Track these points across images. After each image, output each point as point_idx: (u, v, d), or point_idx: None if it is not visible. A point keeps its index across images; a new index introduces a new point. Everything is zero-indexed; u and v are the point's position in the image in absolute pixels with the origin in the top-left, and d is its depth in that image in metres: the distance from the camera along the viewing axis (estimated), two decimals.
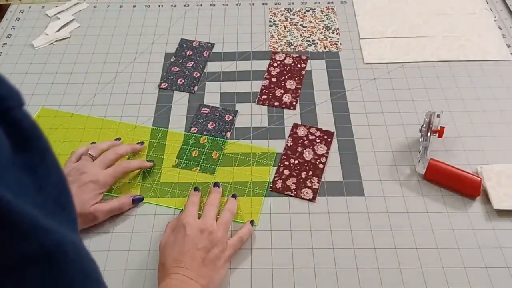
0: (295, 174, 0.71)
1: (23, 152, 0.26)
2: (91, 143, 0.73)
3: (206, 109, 0.80)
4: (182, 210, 0.64)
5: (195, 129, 0.77)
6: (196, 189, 0.67)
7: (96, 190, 0.64)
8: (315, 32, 0.93)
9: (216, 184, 0.68)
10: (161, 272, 0.57)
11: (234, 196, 0.67)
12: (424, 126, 0.71)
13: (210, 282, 0.56)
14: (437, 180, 0.68)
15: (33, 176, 0.26)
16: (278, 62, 0.87)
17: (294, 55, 0.88)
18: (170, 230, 0.61)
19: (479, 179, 0.67)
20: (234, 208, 0.65)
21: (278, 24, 0.95)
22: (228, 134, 0.76)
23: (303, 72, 0.85)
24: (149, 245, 0.64)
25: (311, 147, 0.74)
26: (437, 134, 0.71)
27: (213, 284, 0.57)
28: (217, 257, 0.58)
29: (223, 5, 1.00)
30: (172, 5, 1.00)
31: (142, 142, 0.74)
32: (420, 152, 0.70)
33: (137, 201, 0.67)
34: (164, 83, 0.84)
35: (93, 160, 0.67)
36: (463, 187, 0.67)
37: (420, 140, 0.71)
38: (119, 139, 0.75)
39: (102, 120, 0.78)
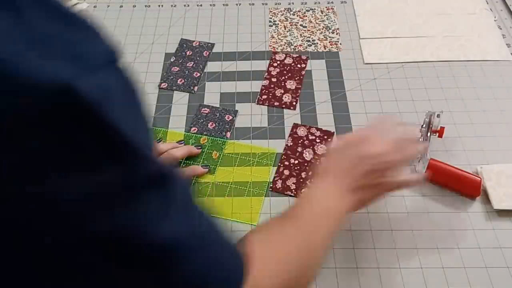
0: (295, 174, 0.71)
1: (130, 93, 0.29)
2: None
3: (206, 109, 0.80)
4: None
5: (195, 129, 0.77)
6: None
7: None
8: (315, 32, 0.93)
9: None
10: (317, 176, 0.55)
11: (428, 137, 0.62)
12: (424, 126, 0.70)
13: (363, 202, 0.54)
14: (437, 180, 0.68)
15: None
16: (278, 62, 0.87)
17: (294, 55, 0.88)
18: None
19: (479, 179, 0.67)
20: (422, 147, 0.60)
21: (278, 24, 0.95)
22: (228, 134, 0.76)
23: (303, 72, 0.85)
24: None
25: (311, 147, 0.74)
26: (437, 134, 0.71)
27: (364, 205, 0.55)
28: (380, 183, 0.54)
29: (223, 5, 1.00)
30: (172, 5, 1.00)
31: (200, 146, 0.74)
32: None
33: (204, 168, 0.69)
34: (164, 83, 0.84)
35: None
36: (463, 187, 0.67)
37: (420, 140, 0.70)
38: (182, 141, 0.74)
39: None
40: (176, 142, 0.74)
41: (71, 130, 0.23)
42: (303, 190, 0.52)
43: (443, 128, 0.70)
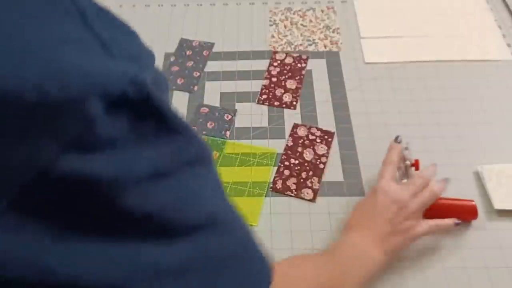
0: (295, 174, 0.71)
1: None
2: None
3: (205, 108, 0.80)
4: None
5: (194, 129, 0.77)
6: (397, 139, 0.64)
7: None
8: (316, 32, 0.93)
9: (397, 138, 0.65)
10: (345, 229, 0.58)
11: (446, 180, 0.62)
12: (400, 163, 0.65)
13: (393, 249, 0.56)
14: (432, 216, 0.63)
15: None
16: (278, 62, 0.87)
17: (295, 55, 0.88)
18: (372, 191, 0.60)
19: (474, 203, 0.64)
20: (438, 190, 0.60)
21: (278, 23, 0.95)
22: (228, 133, 0.76)
23: (304, 72, 0.85)
24: None
25: (312, 147, 0.74)
26: (414, 167, 0.65)
27: (395, 252, 0.56)
28: (406, 228, 0.56)
29: (223, 4, 1.00)
30: (172, 5, 1.00)
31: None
32: None
33: None
34: None
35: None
36: (460, 216, 0.63)
37: (404, 181, 0.64)
38: None
39: None
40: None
41: (143, 111, 0.28)
42: (333, 243, 0.56)
43: (418, 160, 0.66)
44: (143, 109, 0.28)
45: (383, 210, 0.57)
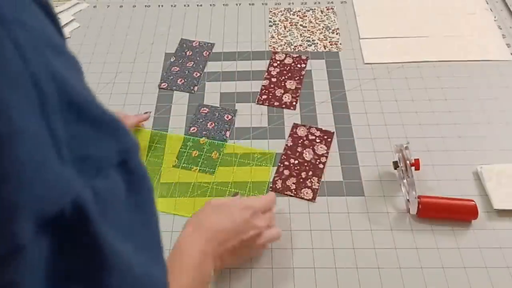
0: (295, 174, 0.71)
1: (135, 194, 0.31)
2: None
3: (205, 109, 0.80)
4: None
5: (194, 129, 0.77)
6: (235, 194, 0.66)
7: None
8: (315, 32, 0.93)
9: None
10: (196, 222, 0.56)
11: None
12: (400, 163, 0.65)
13: (224, 263, 0.56)
14: (432, 216, 0.64)
15: (136, 215, 0.31)
16: (278, 62, 0.87)
17: (294, 55, 0.88)
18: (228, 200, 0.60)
19: (474, 203, 0.64)
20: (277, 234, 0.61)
21: (278, 24, 0.95)
22: (228, 133, 0.76)
23: (303, 72, 0.85)
24: None
25: (311, 147, 0.74)
26: (414, 167, 0.65)
27: (225, 263, 0.56)
28: (242, 252, 0.57)
29: (223, 5, 1.00)
30: (172, 5, 1.00)
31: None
32: (407, 192, 0.64)
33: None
34: (164, 83, 0.84)
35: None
36: (460, 215, 0.64)
37: (404, 181, 0.65)
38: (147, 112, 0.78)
39: None
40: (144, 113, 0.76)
41: (76, 236, 0.26)
42: (175, 244, 0.54)
43: (418, 160, 0.66)
44: (76, 233, 0.26)
45: (244, 231, 0.56)
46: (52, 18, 0.30)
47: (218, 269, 0.55)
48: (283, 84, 0.83)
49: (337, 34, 0.92)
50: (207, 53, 0.90)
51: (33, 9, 0.28)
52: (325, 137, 0.75)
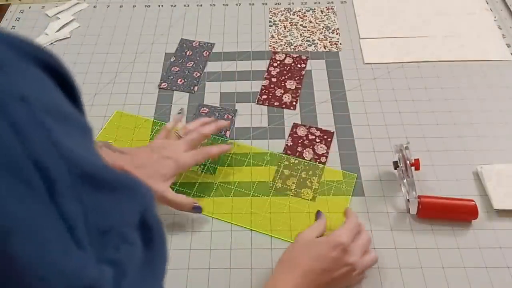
0: (295, 174, 0.71)
1: (148, 248, 0.30)
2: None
3: (205, 108, 0.80)
4: None
5: None
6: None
7: (173, 169, 0.62)
8: (315, 32, 0.93)
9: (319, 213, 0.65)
10: (287, 263, 0.56)
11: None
12: (400, 163, 0.65)
13: None
14: (432, 216, 0.64)
15: (149, 270, 0.30)
16: (278, 62, 0.87)
17: (294, 55, 0.88)
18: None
19: (474, 203, 0.64)
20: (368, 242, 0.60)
21: (278, 24, 0.95)
22: (228, 133, 0.76)
23: (303, 72, 0.85)
24: None
25: (311, 147, 0.74)
26: (414, 167, 0.64)
27: None
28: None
29: (223, 5, 1.00)
30: (172, 5, 1.00)
31: (233, 114, 0.72)
32: (407, 192, 0.64)
33: (196, 209, 0.64)
34: (164, 83, 0.84)
35: (179, 139, 0.67)
36: (461, 215, 0.64)
37: (404, 181, 0.65)
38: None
39: (103, 118, 0.79)
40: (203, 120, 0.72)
41: None
42: (268, 282, 0.55)
43: (418, 160, 0.65)
44: None
45: (335, 264, 0.56)
46: (61, 79, 0.28)
47: None
48: (283, 84, 0.83)
49: (337, 34, 0.92)
50: (207, 53, 0.90)
51: (31, 75, 0.26)
52: (325, 137, 0.75)
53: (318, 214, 0.65)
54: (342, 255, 0.56)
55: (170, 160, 0.62)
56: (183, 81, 0.85)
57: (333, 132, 0.76)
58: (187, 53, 0.90)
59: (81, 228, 0.24)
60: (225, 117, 0.79)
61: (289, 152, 0.73)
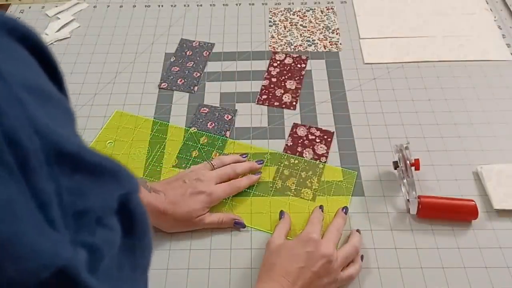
0: (295, 174, 0.71)
1: (129, 235, 0.29)
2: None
3: (205, 108, 0.80)
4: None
5: (194, 129, 0.77)
6: (321, 207, 0.65)
7: (206, 203, 0.63)
8: (315, 32, 0.93)
9: (344, 209, 0.65)
10: (265, 272, 0.56)
11: (358, 231, 0.63)
12: (400, 163, 0.65)
13: None
14: (432, 216, 0.64)
15: (129, 257, 0.29)
16: (278, 62, 0.87)
17: (294, 55, 0.88)
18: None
19: (474, 203, 0.64)
20: (359, 244, 0.61)
21: (278, 24, 0.95)
22: (228, 133, 0.76)
23: (303, 72, 0.85)
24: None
25: (311, 147, 0.74)
26: (414, 167, 0.64)
27: None
28: (323, 286, 0.56)
29: (223, 5, 1.00)
30: (172, 5, 1.00)
31: (261, 161, 0.71)
32: (407, 192, 0.64)
33: (238, 225, 0.64)
34: (164, 83, 0.84)
35: (212, 169, 0.67)
36: (461, 215, 0.64)
37: (404, 181, 0.65)
38: (245, 155, 0.72)
39: (103, 118, 0.79)
40: (240, 155, 0.71)
41: None
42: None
43: (418, 160, 0.65)
44: None
45: (313, 261, 0.55)
46: (43, 59, 0.28)
47: None
48: (283, 84, 0.83)
49: (337, 34, 0.92)
50: (207, 53, 0.90)
51: (11, 51, 0.25)
52: (325, 137, 0.75)
53: (281, 213, 0.65)
54: (314, 248, 0.56)
55: (203, 195, 0.63)
56: (183, 81, 0.85)
57: (333, 132, 0.76)
58: (187, 53, 0.90)
59: (55, 208, 0.24)
60: (225, 117, 0.79)
61: (289, 152, 0.73)
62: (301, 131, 0.76)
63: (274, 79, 0.84)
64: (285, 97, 0.81)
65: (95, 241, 0.26)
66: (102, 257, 0.26)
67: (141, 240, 0.31)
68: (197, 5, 1.00)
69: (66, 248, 0.24)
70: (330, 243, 0.58)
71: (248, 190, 0.69)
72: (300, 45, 0.90)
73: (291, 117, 0.79)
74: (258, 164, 0.70)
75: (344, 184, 0.69)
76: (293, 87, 0.83)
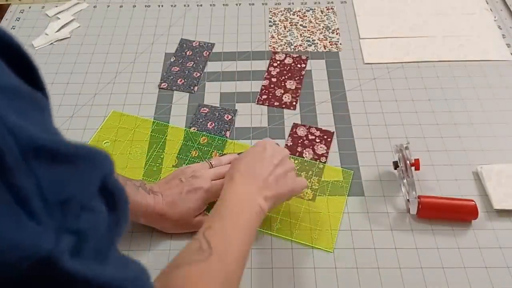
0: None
1: (113, 212, 0.31)
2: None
3: (205, 108, 0.80)
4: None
5: (194, 129, 0.77)
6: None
7: (203, 199, 0.63)
8: (315, 32, 0.93)
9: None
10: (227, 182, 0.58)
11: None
12: (400, 163, 0.65)
13: (275, 195, 0.58)
14: (432, 216, 0.64)
15: (115, 231, 0.31)
16: (278, 62, 0.87)
17: (294, 55, 0.88)
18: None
19: (474, 203, 0.64)
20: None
21: (278, 24, 0.95)
22: (228, 133, 0.76)
23: (303, 72, 0.85)
24: (149, 245, 0.64)
25: (311, 147, 0.74)
26: (414, 167, 0.64)
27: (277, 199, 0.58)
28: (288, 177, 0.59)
29: (223, 5, 1.00)
30: (172, 5, 1.00)
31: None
32: (407, 192, 0.64)
33: None
34: (164, 83, 0.84)
35: (211, 167, 0.66)
36: (461, 215, 0.64)
37: (404, 181, 0.66)
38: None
39: (103, 118, 0.79)
40: (238, 154, 0.70)
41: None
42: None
43: (418, 160, 0.65)
44: (48, 281, 0.26)
45: (271, 158, 0.59)
46: (11, 53, 0.28)
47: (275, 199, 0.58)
48: (283, 84, 0.84)
49: (337, 34, 0.92)
50: (207, 53, 0.90)
51: None
52: (325, 137, 0.75)
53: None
54: (272, 146, 0.61)
55: (200, 191, 0.62)
56: (183, 81, 0.85)
57: (333, 132, 0.76)
58: (187, 53, 0.90)
59: (36, 201, 0.25)
60: (225, 117, 0.79)
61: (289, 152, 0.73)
62: (301, 131, 0.76)
63: (274, 79, 0.84)
64: (285, 97, 0.81)
65: (80, 226, 0.27)
66: (87, 240, 0.27)
67: (124, 211, 0.32)
68: (197, 5, 1.00)
69: (47, 238, 0.25)
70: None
71: None
72: (300, 45, 0.90)
73: (291, 117, 0.79)
74: None
75: (343, 183, 0.69)
76: (293, 87, 0.83)
